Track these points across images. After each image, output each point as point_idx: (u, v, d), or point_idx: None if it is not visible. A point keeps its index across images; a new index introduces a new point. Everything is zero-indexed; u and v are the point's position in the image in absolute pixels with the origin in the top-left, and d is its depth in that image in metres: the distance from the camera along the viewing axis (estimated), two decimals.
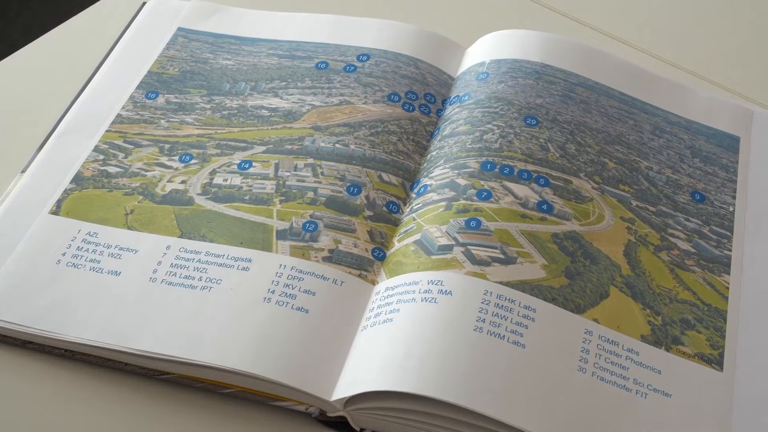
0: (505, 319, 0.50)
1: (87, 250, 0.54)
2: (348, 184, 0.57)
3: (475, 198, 0.56)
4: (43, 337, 0.50)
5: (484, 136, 0.60)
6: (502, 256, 0.53)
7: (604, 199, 0.57)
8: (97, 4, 0.75)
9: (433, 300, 0.50)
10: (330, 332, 0.50)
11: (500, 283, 0.51)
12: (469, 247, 0.53)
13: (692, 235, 0.57)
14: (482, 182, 0.57)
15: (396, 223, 0.56)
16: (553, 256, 0.53)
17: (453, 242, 0.53)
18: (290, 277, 0.52)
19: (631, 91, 0.65)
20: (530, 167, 0.58)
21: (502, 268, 0.52)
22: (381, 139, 0.61)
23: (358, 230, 0.55)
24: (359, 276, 0.53)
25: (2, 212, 0.56)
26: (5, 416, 0.49)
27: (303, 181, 0.58)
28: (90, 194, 0.57)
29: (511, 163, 0.58)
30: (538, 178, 0.57)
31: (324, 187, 0.57)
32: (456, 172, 0.58)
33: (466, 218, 0.55)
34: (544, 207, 0.56)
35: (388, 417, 0.48)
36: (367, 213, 0.56)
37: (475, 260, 0.52)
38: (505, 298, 0.51)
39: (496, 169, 0.58)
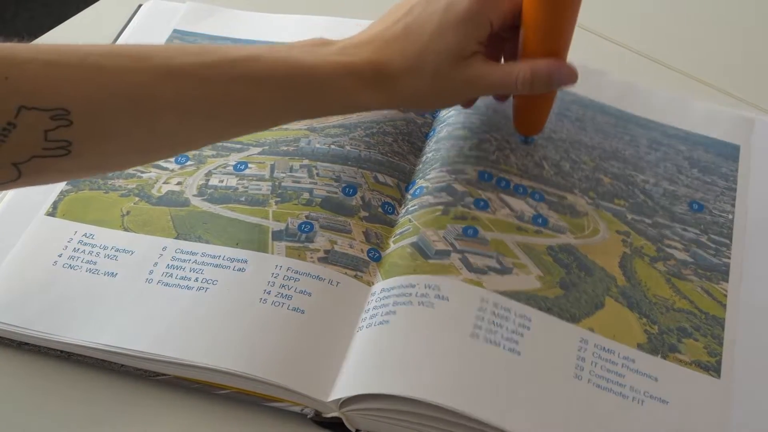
0: (501, 327, 0.50)
1: (83, 251, 0.54)
2: (343, 185, 0.58)
3: (472, 206, 0.56)
4: (39, 339, 0.50)
5: (482, 146, 0.60)
6: (498, 266, 0.53)
7: (598, 214, 0.57)
8: (94, 5, 0.75)
9: (430, 304, 0.50)
10: (326, 333, 0.50)
11: (496, 291, 0.52)
12: (466, 254, 0.53)
13: (690, 245, 0.57)
14: (480, 191, 0.57)
15: (391, 224, 0.57)
16: (548, 267, 0.54)
17: (450, 248, 0.53)
18: (286, 277, 0.52)
19: (627, 107, 0.65)
20: (525, 183, 0.58)
21: (498, 278, 0.52)
22: (376, 140, 0.61)
23: (354, 231, 0.55)
24: (355, 277, 0.53)
25: None
26: (0, 417, 0.49)
27: (298, 182, 0.58)
28: (86, 196, 0.57)
29: (507, 177, 0.58)
30: (533, 194, 0.58)
31: (319, 188, 0.57)
32: (453, 176, 0.58)
33: (463, 225, 0.55)
34: (540, 221, 0.56)
35: (384, 418, 0.48)
36: (363, 214, 0.56)
37: (471, 268, 0.53)
38: (501, 307, 0.51)
39: (493, 181, 0.58)
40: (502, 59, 0.58)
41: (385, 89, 0.52)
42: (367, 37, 0.53)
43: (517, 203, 0.57)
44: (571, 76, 0.54)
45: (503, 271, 0.53)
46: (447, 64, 0.52)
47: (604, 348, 0.51)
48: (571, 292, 0.53)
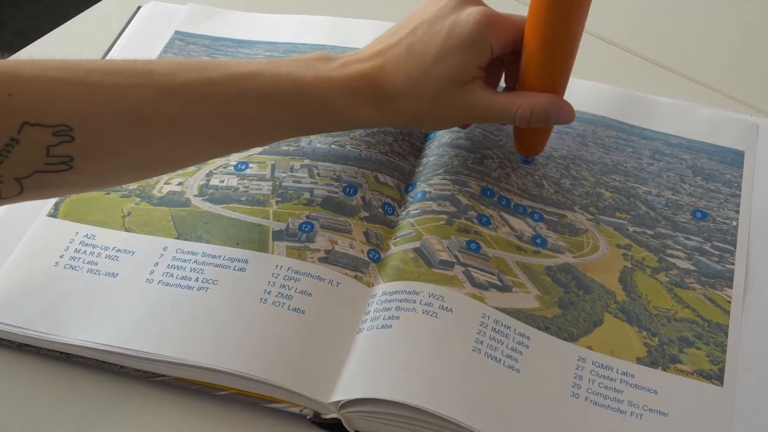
0: (501, 344, 0.50)
1: (84, 252, 0.54)
2: (344, 185, 0.58)
3: (475, 221, 0.56)
4: (40, 339, 0.50)
5: (485, 161, 0.60)
6: (499, 283, 0.53)
7: (599, 229, 0.57)
8: (93, 7, 0.75)
9: (434, 314, 0.50)
10: (326, 333, 0.50)
11: (497, 308, 0.52)
12: (470, 268, 0.53)
13: (693, 253, 0.57)
14: (482, 207, 0.57)
15: (391, 225, 0.57)
16: (547, 288, 0.54)
17: (454, 260, 0.54)
18: (286, 277, 0.52)
19: (629, 118, 0.65)
20: (525, 202, 0.58)
21: (499, 295, 0.52)
22: (377, 140, 0.61)
23: (354, 231, 0.55)
24: (355, 277, 0.53)
25: (0, 215, 0.56)
26: (1, 418, 0.49)
27: (299, 182, 0.58)
28: (87, 196, 0.57)
29: (507, 196, 0.58)
30: (533, 214, 0.58)
31: (320, 188, 0.57)
32: (457, 187, 0.58)
33: (467, 239, 0.55)
34: (538, 241, 0.56)
35: (383, 420, 0.48)
36: (363, 214, 0.56)
37: (474, 282, 0.53)
38: (502, 324, 0.51)
39: (495, 198, 0.58)
40: (503, 80, 0.59)
41: (384, 108, 0.53)
42: (369, 54, 0.53)
43: (517, 222, 0.57)
44: (568, 115, 0.55)
45: (504, 288, 0.53)
46: (447, 89, 0.53)
47: (602, 365, 0.51)
48: (569, 311, 0.53)
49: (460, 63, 0.52)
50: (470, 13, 0.53)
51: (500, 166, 0.60)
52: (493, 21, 0.53)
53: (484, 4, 0.54)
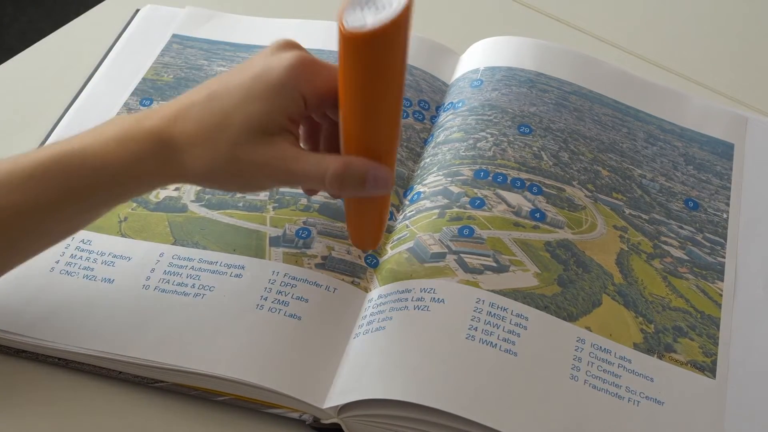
0: (498, 327, 0.50)
1: (80, 257, 0.54)
2: None
3: (468, 206, 0.56)
4: (37, 346, 0.50)
5: (478, 144, 0.60)
6: (494, 265, 0.53)
7: (596, 208, 0.57)
8: (93, 9, 0.75)
9: (426, 308, 0.50)
10: (323, 339, 0.50)
11: (493, 291, 0.51)
12: (462, 255, 0.53)
13: (685, 243, 0.57)
14: (475, 190, 0.57)
15: (389, 230, 0.56)
16: (546, 264, 0.54)
17: (446, 250, 0.53)
18: (283, 283, 0.52)
19: (625, 98, 0.65)
20: (523, 175, 0.58)
21: (495, 276, 0.52)
22: None
23: None
24: (352, 283, 0.53)
25: None
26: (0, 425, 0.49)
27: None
28: None
29: (504, 172, 0.58)
30: (531, 187, 0.57)
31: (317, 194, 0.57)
32: (449, 179, 0.58)
33: (459, 226, 0.55)
34: (537, 215, 0.56)
35: (382, 423, 0.48)
36: None
37: (467, 268, 0.52)
38: (498, 306, 0.51)
39: (490, 177, 0.58)
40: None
41: (169, 163, 0.46)
42: (170, 104, 0.47)
43: (515, 198, 0.57)
44: (386, 182, 0.47)
45: (500, 269, 0.53)
46: (248, 138, 0.46)
47: (601, 347, 0.50)
48: (568, 289, 0.53)
49: (265, 110, 0.45)
50: (284, 57, 0.46)
51: (495, 143, 0.60)
52: (309, 68, 0.46)
53: (303, 50, 0.48)
